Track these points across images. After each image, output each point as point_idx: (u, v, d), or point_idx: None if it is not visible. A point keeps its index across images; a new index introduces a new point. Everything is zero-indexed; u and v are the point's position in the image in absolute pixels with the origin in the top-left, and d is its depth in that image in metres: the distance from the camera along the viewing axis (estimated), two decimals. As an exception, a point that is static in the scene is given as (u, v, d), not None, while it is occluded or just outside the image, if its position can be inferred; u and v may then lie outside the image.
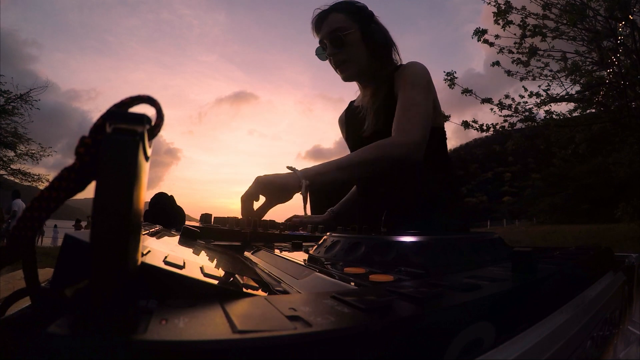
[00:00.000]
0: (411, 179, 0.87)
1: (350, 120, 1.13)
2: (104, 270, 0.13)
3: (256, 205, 0.74)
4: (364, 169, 0.79)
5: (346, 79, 1.01)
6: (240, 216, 0.75)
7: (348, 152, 1.07)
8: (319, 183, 0.75)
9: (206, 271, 0.21)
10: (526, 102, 5.18)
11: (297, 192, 0.74)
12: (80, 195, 0.18)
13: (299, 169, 0.75)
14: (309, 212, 0.81)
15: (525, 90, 5.20)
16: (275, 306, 0.17)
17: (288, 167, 0.76)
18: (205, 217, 0.84)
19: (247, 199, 0.72)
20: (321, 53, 1.00)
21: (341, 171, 0.77)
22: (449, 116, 4.96)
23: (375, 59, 0.97)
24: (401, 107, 0.88)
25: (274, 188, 0.72)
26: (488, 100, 5.08)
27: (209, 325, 0.14)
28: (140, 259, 0.17)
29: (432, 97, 0.93)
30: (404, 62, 1.02)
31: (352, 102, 1.17)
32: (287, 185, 0.72)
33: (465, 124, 5.09)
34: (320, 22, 0.97)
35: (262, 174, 0.73)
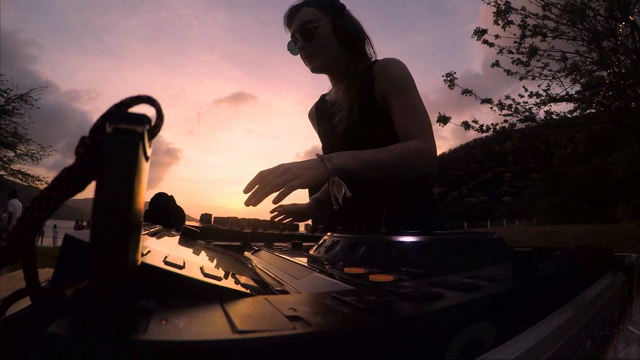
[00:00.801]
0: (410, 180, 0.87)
1: (322, 114, 1.12)
2: (104, 270, 0.13)
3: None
4: (392, 174, 0.79)
5: (314, 70, 0.99)
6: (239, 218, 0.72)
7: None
8: (347, 179, 0.72)
9: (206, 271, 0.21)
10: (526, 102, 5.19)
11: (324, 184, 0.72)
12: (80, 195, 0.18)
13: (328, 161, 0.71)
14: (335, 204, 0.78)
15: (526, 90, 5.21)
16: (275, 306, 0.17)
17: (318, 156, 0.74)
18: (205, 217, 0.84)
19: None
20: (292, 48, 0.99)
21: (374, 172, 0.76)
22: (450, 117, 4.96)
23: (348, 52, 0.97)
24: (409, 113, 0.88)
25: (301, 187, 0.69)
26: (488, 101, 5.09)
27: (209, 325, 0.14)
28: (140, 259, 0.17)
29: None
30: (406, 61, 1.01)
31: (323, 96, 1.15)
32: (314, 182, 0.70)
33: (466, 125, 5.10)
34: (292, 16, 0.97)
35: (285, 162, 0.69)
